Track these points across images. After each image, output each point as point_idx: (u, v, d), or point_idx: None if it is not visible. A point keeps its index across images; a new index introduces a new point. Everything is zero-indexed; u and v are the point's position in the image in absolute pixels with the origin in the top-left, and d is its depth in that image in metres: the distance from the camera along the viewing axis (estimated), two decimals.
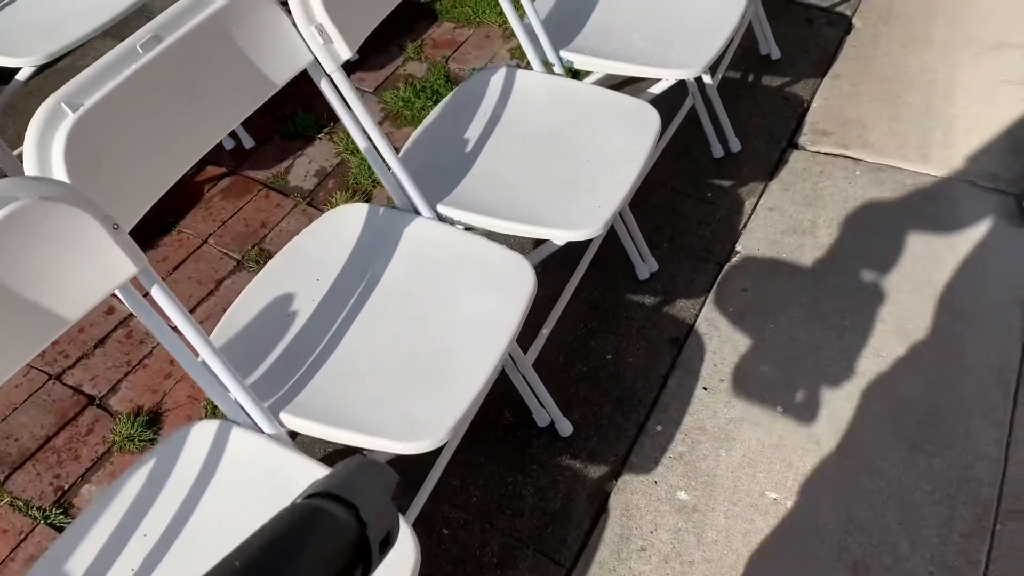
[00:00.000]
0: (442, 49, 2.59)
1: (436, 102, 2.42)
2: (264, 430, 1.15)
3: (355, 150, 2.25)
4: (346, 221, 1.45)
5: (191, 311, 1.91)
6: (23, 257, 0.91)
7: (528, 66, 1.76)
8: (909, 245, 1.94)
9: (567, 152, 1.55)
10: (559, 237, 1.42)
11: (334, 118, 2.38)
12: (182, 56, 1.13)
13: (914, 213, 2.01)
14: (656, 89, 1.78)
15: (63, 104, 1.00)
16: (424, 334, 1.27)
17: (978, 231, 1.95)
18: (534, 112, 1.64)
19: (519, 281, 1.31)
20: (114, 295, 1.02)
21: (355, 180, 2.19)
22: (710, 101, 2.18)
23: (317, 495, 0.57)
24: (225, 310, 1.90)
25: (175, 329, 1.09)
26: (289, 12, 1.25)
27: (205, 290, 1.96)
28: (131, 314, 1.93)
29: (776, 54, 2.50)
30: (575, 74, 1.88)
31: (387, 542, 0.57)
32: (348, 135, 2.34)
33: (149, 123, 1.10)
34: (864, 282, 1.88)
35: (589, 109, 1.63)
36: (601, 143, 1.55)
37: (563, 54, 1.75)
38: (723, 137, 2.22)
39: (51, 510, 1.61)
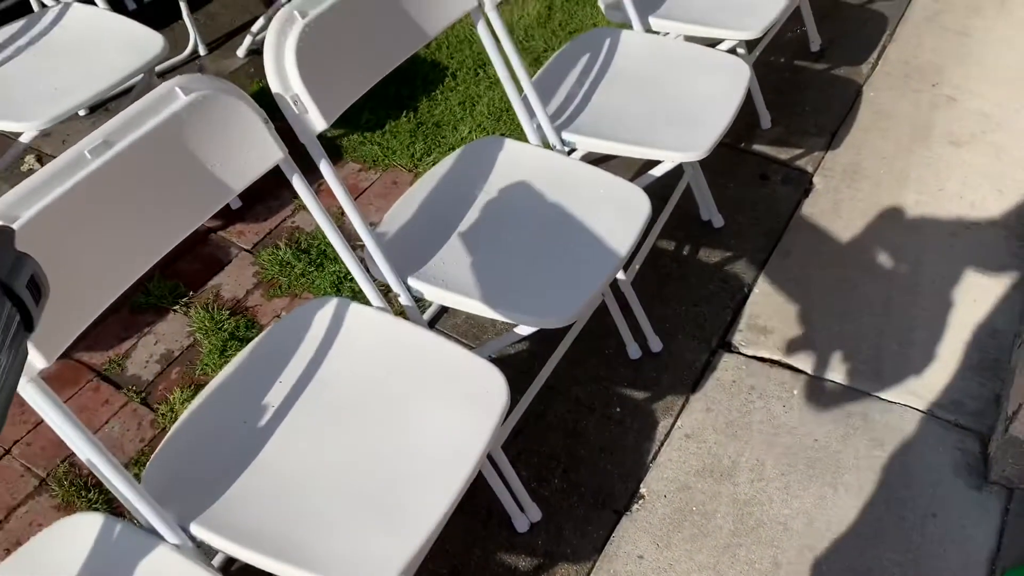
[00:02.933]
0: None
1: (320, 267, 2.11)
2: None
3: (209, 330, 1.93)
4: (70, 542, 1.11)
5: None
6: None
7: None
8: (846, 515, 1.59)
9: (395, 425, 1.22)
10: None
11: (195, 286, 2.07)
12: None
13: (857, 461, 1.66)
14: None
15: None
16: None
17: (933, 498, 1.60)
18: (361, 368, 1.31)
19: None
20: None
21: (203, 370, 1.86)
22: (624, 297, 1.85)
23: None
24: (10, 551, 1.55)
25: None
26: None
27: None
28: None
29: (719, 221, 2.17)
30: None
31: (37, 286, 0.59)
32: (205, 307, 2.02)
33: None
34: (782, 562, 1.53)
35: (421, 367, 1.30)
36: (430, 419, 1.22)
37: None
38: (641, 336, 1.88)
39: None
